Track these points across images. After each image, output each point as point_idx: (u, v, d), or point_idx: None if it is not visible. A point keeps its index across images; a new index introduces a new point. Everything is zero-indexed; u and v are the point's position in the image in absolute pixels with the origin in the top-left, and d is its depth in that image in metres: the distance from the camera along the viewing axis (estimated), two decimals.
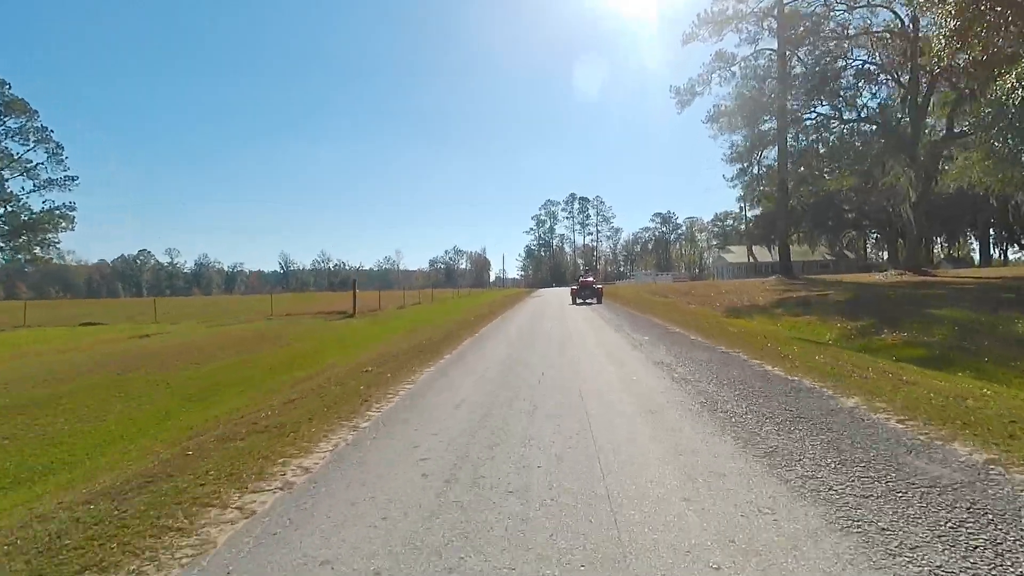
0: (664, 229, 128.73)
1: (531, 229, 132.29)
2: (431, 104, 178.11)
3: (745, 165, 34.60)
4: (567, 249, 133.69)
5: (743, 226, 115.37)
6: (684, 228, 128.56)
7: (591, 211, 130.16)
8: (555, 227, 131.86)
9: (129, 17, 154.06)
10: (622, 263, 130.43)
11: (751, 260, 68.69)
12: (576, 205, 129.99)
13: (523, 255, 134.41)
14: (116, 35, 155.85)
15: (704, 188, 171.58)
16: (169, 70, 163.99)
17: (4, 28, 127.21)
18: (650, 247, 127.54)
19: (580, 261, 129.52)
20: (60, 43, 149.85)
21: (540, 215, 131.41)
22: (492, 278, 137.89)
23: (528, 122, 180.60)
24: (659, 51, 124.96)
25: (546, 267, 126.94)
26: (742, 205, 65.09)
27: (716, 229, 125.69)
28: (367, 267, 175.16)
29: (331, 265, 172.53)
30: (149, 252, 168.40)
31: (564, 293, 41.50)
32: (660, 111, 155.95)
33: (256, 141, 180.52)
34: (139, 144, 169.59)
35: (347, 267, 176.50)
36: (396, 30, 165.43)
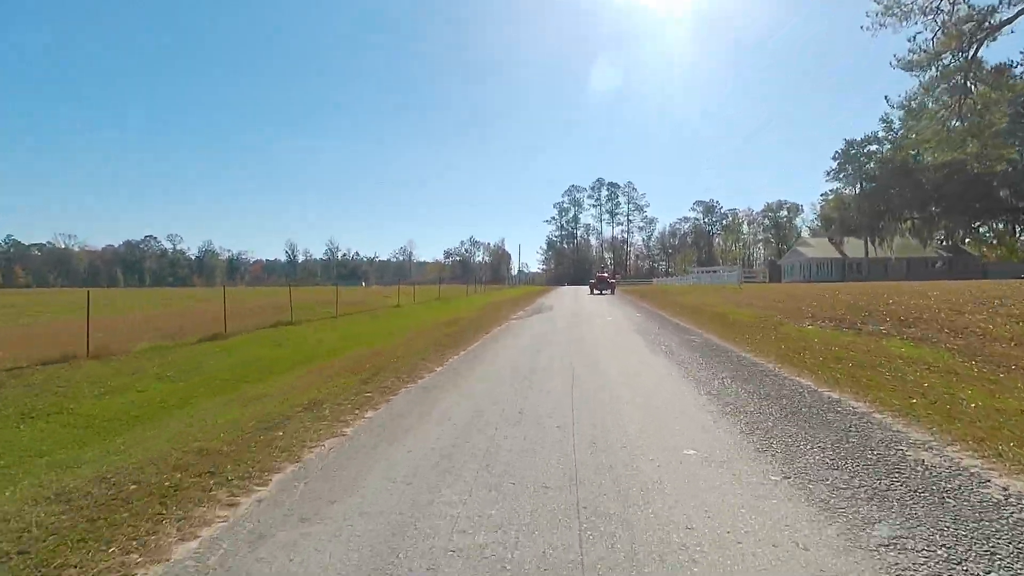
0: (706, 220, 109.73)
1: (552, 218, 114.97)
2: (446, 95, 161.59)
3: (946, 65, 17.20)
4: (593, 241, 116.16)
5: (800, 217, 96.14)
6: (730, 219, 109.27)
7: (621, 199, 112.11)
8: (580, 216, 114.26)
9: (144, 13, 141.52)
10: (657, 257, 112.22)
11: (842, 256, 50.78)
12: (604, 192, 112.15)
13: (544, 247, 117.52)
14: (131, 29, 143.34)
15: (704, 188, 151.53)
16: (178, 63, 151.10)
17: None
18: (690, 240, 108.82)
19: (607, 255, 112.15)
20: (72, 32, 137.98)
21: (563, 202, 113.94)
22: (515, 271, 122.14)
23: (549, 112, 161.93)
24: (684, 38, 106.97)
25: (569, 261, 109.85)
26: (844, 171, 46.69)
27: (767, 221, 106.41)
28: (383, 258, 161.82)
29: (340, 255, 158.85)
30: (154, 238, 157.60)
31: (592, 304, 25.14)
32: (689, 98, 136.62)
33: (267, 131, 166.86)
34: (150, 132, 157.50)
35: (360, 257, 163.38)
36: (407, 22, 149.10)
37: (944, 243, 53.41)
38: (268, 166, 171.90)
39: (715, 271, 31.48)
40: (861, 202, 41.76)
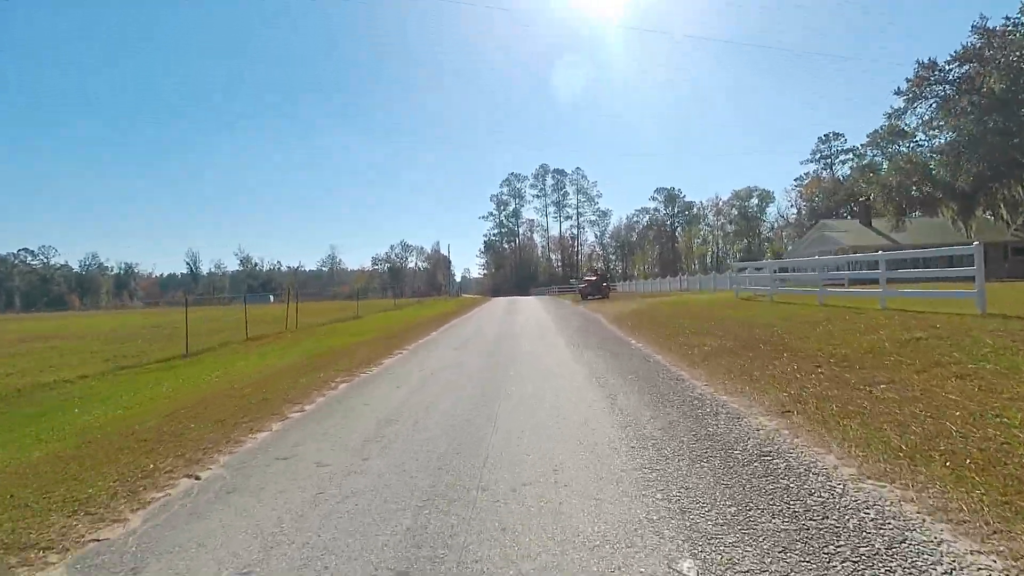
0: (667, 211, 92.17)
1: (491, 214, 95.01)
2: (372, 88, 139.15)
3: None
4: (537, 239, 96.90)
5: (773, 205, 77.87)
6: (695, 208, 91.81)
7: (569, 188, 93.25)
8: (522, 210, 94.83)
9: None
10: (613, 257, 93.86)
11: (891, 243, 32.93)
12: (549, 180, 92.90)
13: (482, 250, 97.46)
14: None
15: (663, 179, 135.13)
16: (53, 46, 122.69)
17: None
18: (651, 235, 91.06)
19: (554, 256, 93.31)
20: None
21: (502, 194, 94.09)
22: (458, 277, 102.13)
23: (493, 104, 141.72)
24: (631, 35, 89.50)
25: (510, 264, 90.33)
26: (914, 108, 28.08)
27: (734, 212, 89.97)
28: (309, 268, 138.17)
29: (254, 266, 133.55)
30: (30, 251, 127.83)
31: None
32: (643, 88, 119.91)
33: (167, 127, 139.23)
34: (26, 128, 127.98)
35: (281, 268, 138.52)
36: (326, 18, 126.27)
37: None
38: (168, 168, 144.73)
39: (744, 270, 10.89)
40: (967, 150, 23.81)
